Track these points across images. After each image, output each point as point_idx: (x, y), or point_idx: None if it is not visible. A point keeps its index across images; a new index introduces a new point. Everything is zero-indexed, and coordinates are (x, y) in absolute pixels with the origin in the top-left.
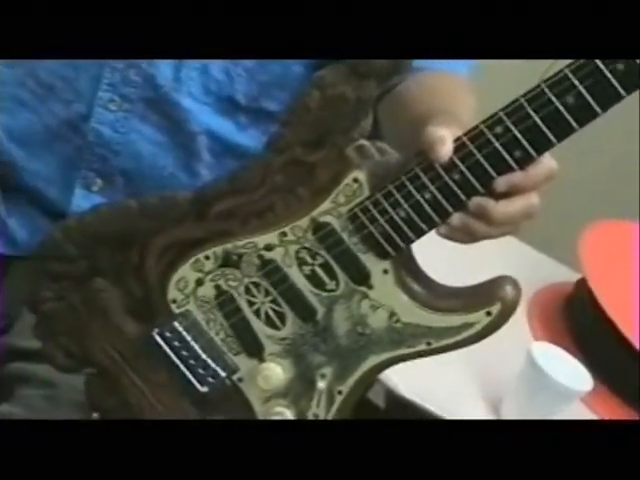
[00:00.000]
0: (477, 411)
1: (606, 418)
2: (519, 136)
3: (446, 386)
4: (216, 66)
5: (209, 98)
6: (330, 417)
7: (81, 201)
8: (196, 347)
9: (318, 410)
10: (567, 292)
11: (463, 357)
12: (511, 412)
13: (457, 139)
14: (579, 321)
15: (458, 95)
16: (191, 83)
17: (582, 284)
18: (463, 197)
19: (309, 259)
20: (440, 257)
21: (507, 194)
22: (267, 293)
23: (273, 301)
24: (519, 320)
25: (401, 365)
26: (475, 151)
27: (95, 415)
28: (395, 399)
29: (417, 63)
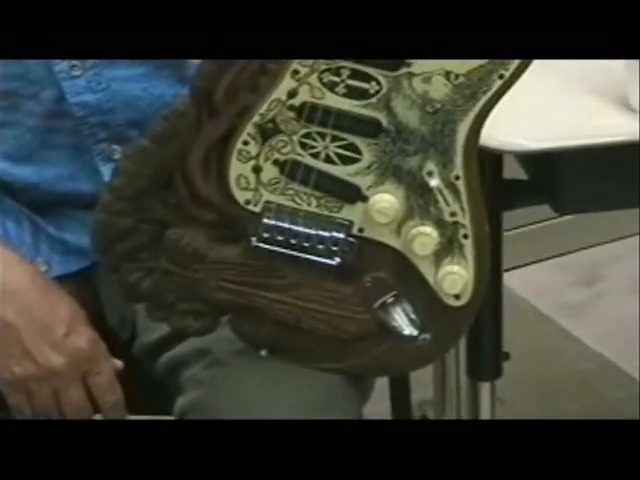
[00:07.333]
0: (611, 112)
1: None
2: None
3: (566, 116)
4: None
5: None
6: (467, 207)
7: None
8: (299, 228)
9: (451, 207)
10: None
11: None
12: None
13: None
14: None
15: None
16: None
17: None
18: None
19: (336, 78)
20: None
21: None
22: (322, 136)
23: (334, 139)
24: None
25: (512, 124)
26: None
27: (263, 352)
28: (526, 156)
29: None
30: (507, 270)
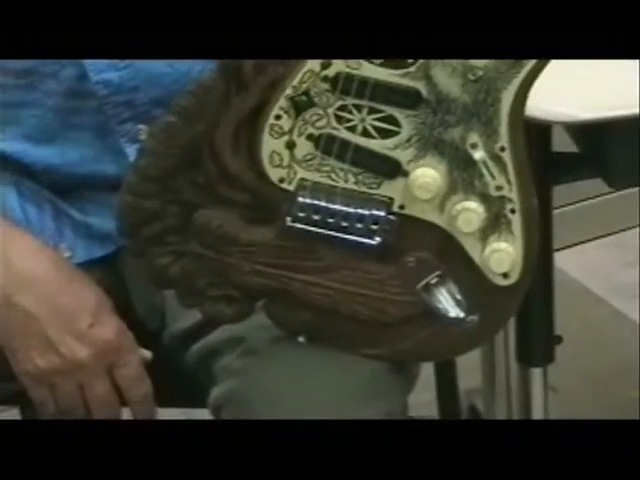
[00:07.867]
0: None
1: None
2: None
3: (619, 83)
4: None
5: None
6: (513, 180)
7: None
8: (336, 207)
9: (497, 180)
10: None
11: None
12: None
13: None
14: None
15: None
16: None
17: None
18: None
19: None
20: None
21: None
22: (359, 108)
23: (371, 111)
24: None
25: (561, 91)
26: None
27: (301, 339)
28: (577, 126)
29: None
30: (557, 250)
